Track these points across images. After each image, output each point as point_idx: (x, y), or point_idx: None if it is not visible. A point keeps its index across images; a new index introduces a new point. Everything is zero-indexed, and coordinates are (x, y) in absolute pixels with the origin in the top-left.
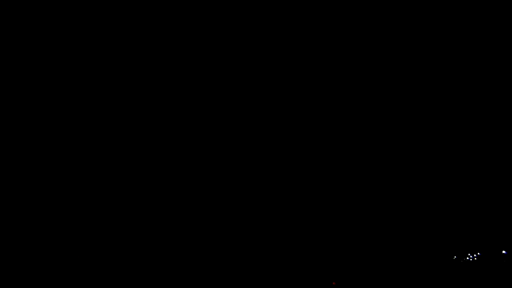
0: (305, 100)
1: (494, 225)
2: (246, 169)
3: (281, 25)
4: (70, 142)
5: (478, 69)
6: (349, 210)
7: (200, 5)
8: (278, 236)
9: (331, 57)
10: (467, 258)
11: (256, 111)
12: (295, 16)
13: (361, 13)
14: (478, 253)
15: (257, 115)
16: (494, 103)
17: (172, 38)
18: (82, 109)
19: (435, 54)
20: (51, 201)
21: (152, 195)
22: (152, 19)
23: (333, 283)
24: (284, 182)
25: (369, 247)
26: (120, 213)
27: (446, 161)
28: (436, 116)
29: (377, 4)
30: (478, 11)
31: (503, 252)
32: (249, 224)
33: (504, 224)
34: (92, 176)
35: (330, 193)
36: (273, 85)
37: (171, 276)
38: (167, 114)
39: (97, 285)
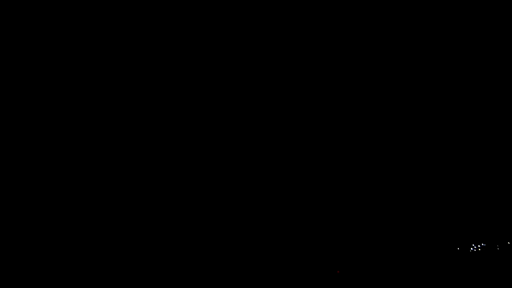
0: (305, 100)
1: (494, 223)
2: (246, 169)
3: (281, 25)
4: (70, 142)
5: (478, 69)
6: (352, 203)
7: (200, 5)
8: (281, 228)
9: (331, 57)
10: (470, 250)
11: (256, 111)
12: (295, 16)
13: (361, 13)
14: (479, 246)
15: (257, 115)
16: (494, 103)
17: (172, 38)
18: (82, 109)
19: (435, 54)
20: (51, 201)
21: (152, 195)
22: (152, 19)
23: (337, 271)
24: (285, 181)
25: (373, 236)
26: (120, 213)
27: (446, 160)
28: (436, 116)
29: (377, 4)
30: (478, 11)
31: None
32: (250, 219)
33: (504, 222)
34: (92, 176)
35: (332, 188)
36: (273, 85)
37: (171, 276)
38: (167, 114)
39: (97, 285)
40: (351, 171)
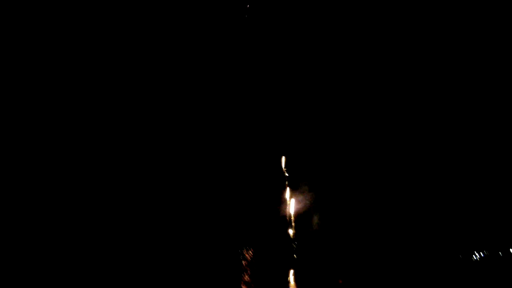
0: (305, 100)
1: (495, 225)
2: (246, 169)
3: (283, 26)
4: (70, 142)
5: (478, 69)
6: (353, 209)
7: (201, 6)
8: (286, 235)
9: (332, 58)
10: (472, 257)
11: (256, 111)
12: (297, 17)
13: (362, 14)
14: (481, 253)
15: (257, 115)
16: (494, 103)
17: (173, 38)
18: (82, 108)
19: (435, 54)
20: (51, 201)
21: (152, 195)
22: (152, 19)
23: (340, 281)
24: (287, 182)
25: (374, 245)
26: (120, 213)
27: (446, 160)
28: (436, 116)
29: (377, 4)
30: (478, 11)
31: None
32: (254, 223)
33: (505, 224)
34: (92, 176)
35: (334, 193)
36: (273, 86)
37: (171, 276)
38: (167, 114)
39: (97, 285)
40: (353, 179)
